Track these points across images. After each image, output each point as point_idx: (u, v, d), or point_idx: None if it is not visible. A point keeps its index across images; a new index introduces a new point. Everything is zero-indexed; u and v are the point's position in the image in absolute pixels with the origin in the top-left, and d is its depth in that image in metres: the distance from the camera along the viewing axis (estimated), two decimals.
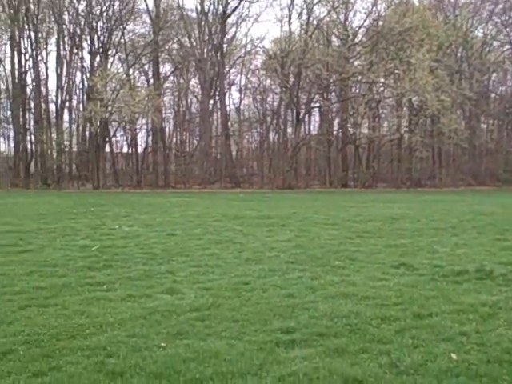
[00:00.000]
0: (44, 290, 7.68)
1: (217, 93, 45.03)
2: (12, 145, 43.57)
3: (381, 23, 42.55)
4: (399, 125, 42.95)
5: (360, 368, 4.93)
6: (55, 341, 5.61)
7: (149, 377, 4.75)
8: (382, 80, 43.33)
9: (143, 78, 46.77)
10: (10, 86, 41.71)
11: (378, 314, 6.48)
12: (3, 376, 4.74)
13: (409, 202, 26.69)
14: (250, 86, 48.74)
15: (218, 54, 43.22)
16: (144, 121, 43.57)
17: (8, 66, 42.00)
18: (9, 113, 43.08)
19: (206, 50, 43.70)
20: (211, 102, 45.27)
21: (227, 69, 45.87)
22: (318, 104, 45.62)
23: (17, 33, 39.92)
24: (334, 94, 46.14)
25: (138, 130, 44.39)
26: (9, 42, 41.23)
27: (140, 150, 45.26)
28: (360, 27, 43.81)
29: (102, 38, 41.68)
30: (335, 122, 46.57)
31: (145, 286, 7.96)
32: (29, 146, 42.19)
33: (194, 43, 43.87)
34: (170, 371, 4.85)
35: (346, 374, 4.80)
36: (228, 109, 46.51)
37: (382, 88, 44.43)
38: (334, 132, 46.05)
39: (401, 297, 7.30)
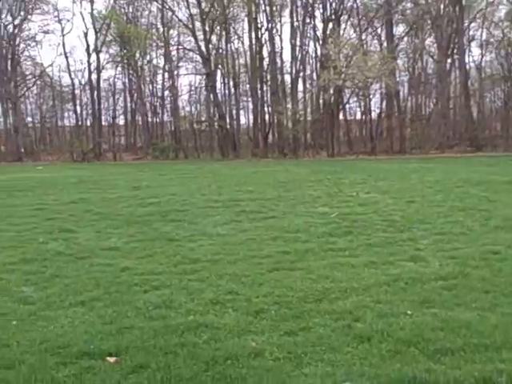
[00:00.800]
0: (289, 255, 8.01)
1: (455, 51, 42.56)
2: (251, 117, 46.26)
3: None
4: None
5: None
6: (303, 303, 5.82)
7: (397, 343, 4.69)
8: None
9: (376, 42, 46.06)
10: (249, 61, 44.13)
11: None
12: (257, 333, 5.05)
13: None
14: (492, 40, 45.17)
15: (457, 9, 40.70)
16: (378, 86, 43.04)
17: (246, 42, 44.50)
18: (247, 86, 45.69)
19: (442, 6, 41.45)
20: (449, 60, 42.95)
21: (466, 24, 43.01)
22: None
23: (253, 9, 41.96)
24: None
25: (371, 96, 44.05)
26: (246, 19, 43.57)
27: (374, 115, 44.95)
28: None
29: (333, 4, 41.92)
30: None
31: (386, 253, 7.89)
32: (266, 117, 44.38)
33: (430, 0, 41.86)
34: (418, 339, 4.75)
35: None
36: (468, 67, 43.74)
37: None
38: None
39: None
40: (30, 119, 48.11)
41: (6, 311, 5.83)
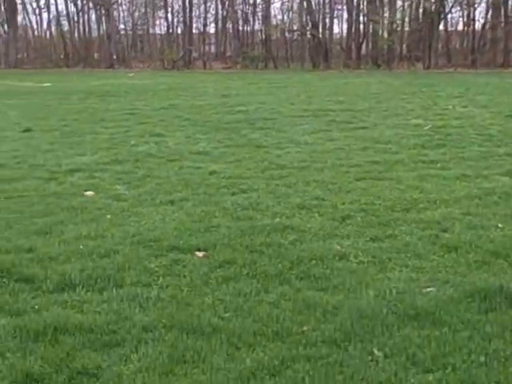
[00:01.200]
0: (378, 165, 7.91)
1: None
2: (345, 26, 44.63)
3: None
4: None
5: None
6: (390, 211, 5.77)
7: (485, 254, 4.62)
8: None
9: None
10: None
11: None
12: (343, 237, 5.08)
13: None
14: None
15: None
16: None
17: None
18: None
19: None
20: None
21: None
22: None
23: None
24: None
25: (476, 5, 41.23)
26: None
27: (477, 26, 42.18)
28: None
29: None
30: None
31: (481, 167, 7.64)
32: (361, 27, 42.67)
33: None
34: (508, 251, 4.65)
35: None
36: None
37: None
38: None
39: None
40: (122, 26, 48.55)
41: (101, 206, 6.13)
